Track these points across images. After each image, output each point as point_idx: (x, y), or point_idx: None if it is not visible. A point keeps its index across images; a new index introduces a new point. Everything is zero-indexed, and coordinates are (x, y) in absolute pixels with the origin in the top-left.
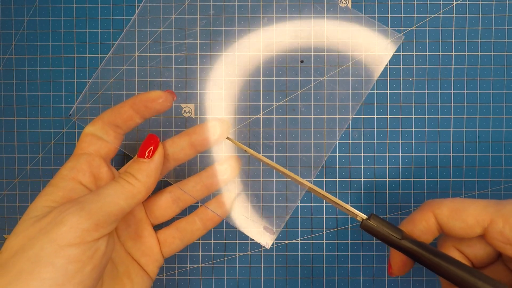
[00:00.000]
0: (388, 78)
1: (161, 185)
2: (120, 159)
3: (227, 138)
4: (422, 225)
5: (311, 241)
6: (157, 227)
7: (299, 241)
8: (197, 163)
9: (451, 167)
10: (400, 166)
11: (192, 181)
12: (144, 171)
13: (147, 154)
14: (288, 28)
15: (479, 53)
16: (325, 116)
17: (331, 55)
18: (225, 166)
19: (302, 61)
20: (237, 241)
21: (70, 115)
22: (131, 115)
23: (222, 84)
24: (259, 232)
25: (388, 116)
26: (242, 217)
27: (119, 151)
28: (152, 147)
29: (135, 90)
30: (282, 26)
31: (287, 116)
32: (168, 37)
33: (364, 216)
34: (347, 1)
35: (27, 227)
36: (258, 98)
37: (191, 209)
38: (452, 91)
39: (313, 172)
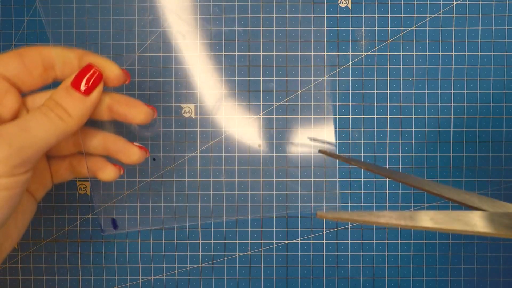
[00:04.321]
0: (388, 78)
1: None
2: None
3: (320, 151)
4: None
5: (311, 241)
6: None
7: (299, 241)
8: (196, 163)
9: (451, 167)
10: (400, 166)
11: (96, 140)
12: (79, 109)
13: (83, 87)
14: (288, 28)
15: (479, 53)
16: (325, 116)
17: (331, 55)
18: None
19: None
20: (237, 241)
21: None
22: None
23: (222, 84)
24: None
25: (388, 116)
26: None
27: None
28: (92, 80)
29: (135, 90)
30: (282, 26)
31: (287, 116)
32: (167, 37)
33: None
34: (347, 1)
35: None
36: (258, 98)
37: None
38: (452, 91)
39: (313, 171)
